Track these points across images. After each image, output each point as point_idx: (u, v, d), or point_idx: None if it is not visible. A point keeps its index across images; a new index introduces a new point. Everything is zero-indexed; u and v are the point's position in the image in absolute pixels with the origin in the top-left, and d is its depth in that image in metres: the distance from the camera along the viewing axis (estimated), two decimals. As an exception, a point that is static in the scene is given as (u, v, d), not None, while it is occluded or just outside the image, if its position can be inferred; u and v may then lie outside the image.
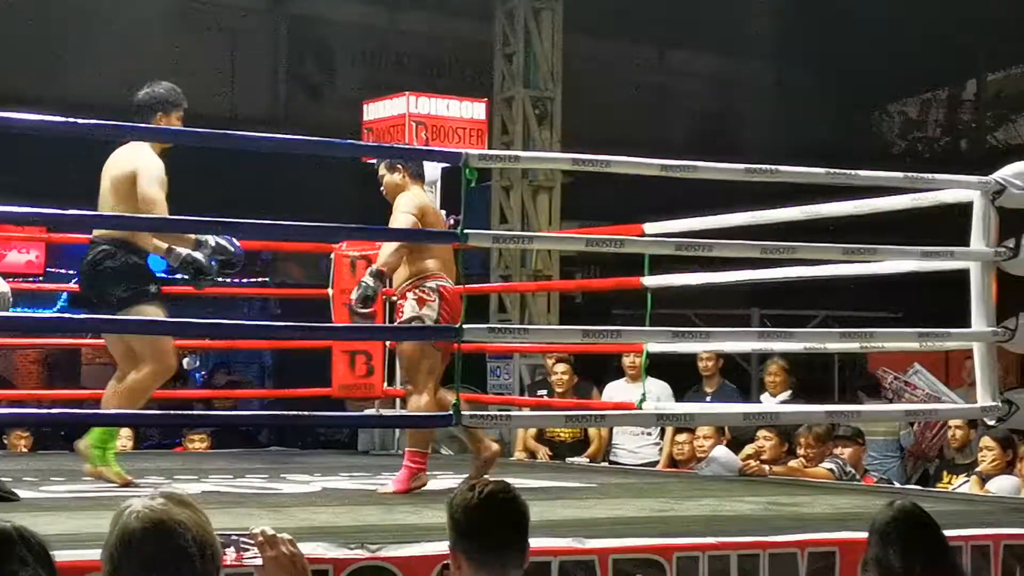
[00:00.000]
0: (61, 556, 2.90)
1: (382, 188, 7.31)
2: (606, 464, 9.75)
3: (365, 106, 10.77)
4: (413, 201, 7.14)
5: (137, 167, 6.72)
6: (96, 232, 6.92)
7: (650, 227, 7.97)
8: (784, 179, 6.79)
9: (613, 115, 17.72)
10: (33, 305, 15.18)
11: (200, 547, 2.76)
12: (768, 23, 17.99)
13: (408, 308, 7.04)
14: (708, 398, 9.58)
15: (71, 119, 5.43)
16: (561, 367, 9.98)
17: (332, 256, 9.70)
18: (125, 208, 6.68)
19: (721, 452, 8.55)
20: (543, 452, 9.91)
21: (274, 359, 17.45)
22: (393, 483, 6.94)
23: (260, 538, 3.26)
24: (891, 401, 9.77)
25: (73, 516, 5.43)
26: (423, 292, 7.03)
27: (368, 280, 6.97)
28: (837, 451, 8.52)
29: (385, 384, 9.70)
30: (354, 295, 7.05)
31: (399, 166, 7.26)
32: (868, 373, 11.81)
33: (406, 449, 7.09)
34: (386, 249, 7.11)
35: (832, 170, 6.77)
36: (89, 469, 6.81)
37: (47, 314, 12.69)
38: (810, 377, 14.69)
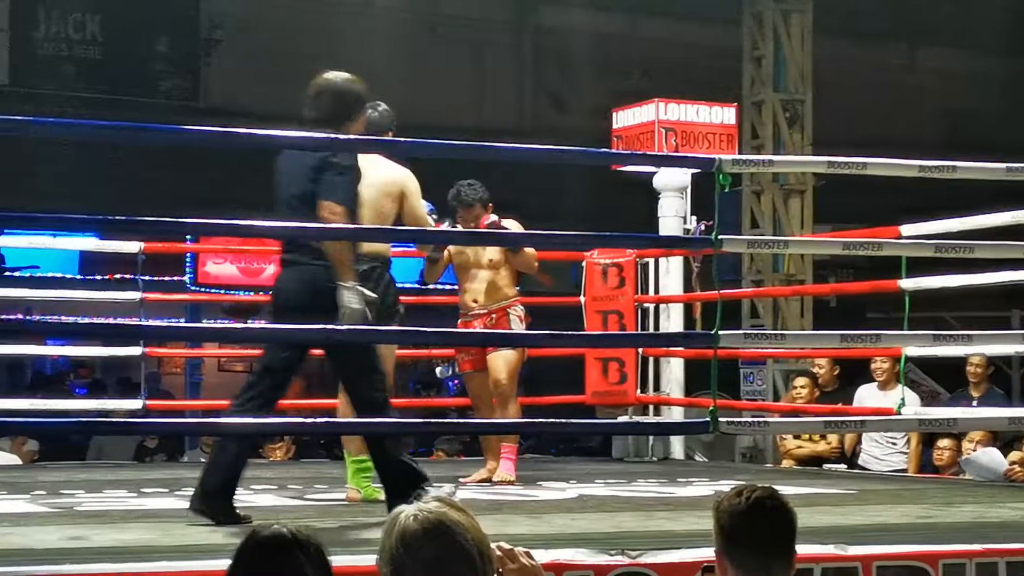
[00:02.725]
0: (334, 560, 2.96)
1: (458, 221, 7.79)
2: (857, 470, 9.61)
3: (614, 114, 10.79)
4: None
5: (406, 186, 6.76)
6: (365, 248, 6.56)
7: (907, 229, 7.82)
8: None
9: (862, 115, 17.48)
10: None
11: (479, 549, 2.81)
12: (1015, 16, 17.52)
13: (515, 326, 8.14)
14: (974, 403, 9.33)
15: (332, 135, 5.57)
16: (801, 380, 9.85)
17: (583, 264, 9.77)
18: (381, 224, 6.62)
19: (987, 453, 8.34)
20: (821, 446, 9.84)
21: (526, 367, 17.52)
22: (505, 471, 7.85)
23: (498, 552, 3.19)
24: None
25: (340, 519, 5.57)
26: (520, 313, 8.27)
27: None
28: (1110, 457, 8.25)
29: (638, 391, 9.71)
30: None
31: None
32: None
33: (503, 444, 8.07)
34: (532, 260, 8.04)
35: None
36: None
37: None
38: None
